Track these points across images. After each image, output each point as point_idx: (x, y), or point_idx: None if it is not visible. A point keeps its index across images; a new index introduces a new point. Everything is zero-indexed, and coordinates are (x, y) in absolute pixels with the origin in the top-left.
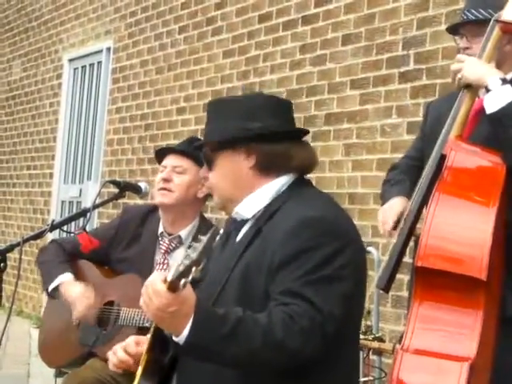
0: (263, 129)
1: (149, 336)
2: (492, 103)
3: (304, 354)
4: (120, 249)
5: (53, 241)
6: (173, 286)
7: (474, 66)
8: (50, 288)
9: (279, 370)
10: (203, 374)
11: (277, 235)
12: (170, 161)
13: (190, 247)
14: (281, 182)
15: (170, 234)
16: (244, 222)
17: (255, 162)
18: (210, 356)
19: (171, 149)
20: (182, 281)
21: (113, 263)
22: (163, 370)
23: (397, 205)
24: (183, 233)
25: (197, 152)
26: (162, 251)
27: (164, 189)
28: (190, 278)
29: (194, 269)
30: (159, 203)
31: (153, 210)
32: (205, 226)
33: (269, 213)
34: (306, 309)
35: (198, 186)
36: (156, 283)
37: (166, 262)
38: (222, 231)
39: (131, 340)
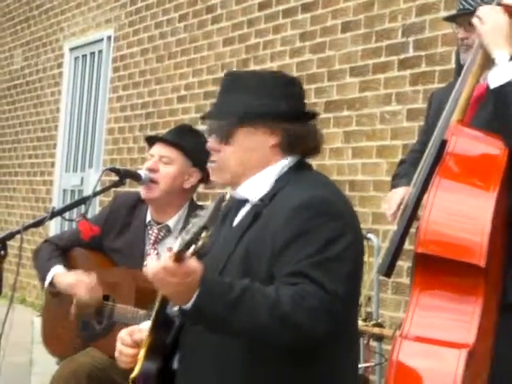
0: (288, 109)
1: (152, 317)
2: (497, 78)
3: (311, 332)
4: (111, 237)
5: (45, 241)
6: (179, 257)
7: (495, 30)
8: (46, 284)
9: (285, 346)
10: (205, 354)
11: (277, 218)
12: (158, 150)
13: (195, 216)
14: (283, 164)
15: (157, 223)
16: (243, 202)
17: (278, 140)
18: (216, 323)
19: (159, 138)
20: (191, 248)
21: (106, 252)
22: (166, 351)
23: (400, 190)
24: (171, 222)
25: (185, 142)
26: (151, 241)
27: (150, 180)
28: (200, 243)
29: (203, 234)
30: (144, 198)
31: (142, 198)
32: (193, 209)
33: (269, 195)
34: (315, 289)
35: (185, 177)
36: (164, 261)
37: (156, 252)
38: (228, 196)
39: (124, 333)
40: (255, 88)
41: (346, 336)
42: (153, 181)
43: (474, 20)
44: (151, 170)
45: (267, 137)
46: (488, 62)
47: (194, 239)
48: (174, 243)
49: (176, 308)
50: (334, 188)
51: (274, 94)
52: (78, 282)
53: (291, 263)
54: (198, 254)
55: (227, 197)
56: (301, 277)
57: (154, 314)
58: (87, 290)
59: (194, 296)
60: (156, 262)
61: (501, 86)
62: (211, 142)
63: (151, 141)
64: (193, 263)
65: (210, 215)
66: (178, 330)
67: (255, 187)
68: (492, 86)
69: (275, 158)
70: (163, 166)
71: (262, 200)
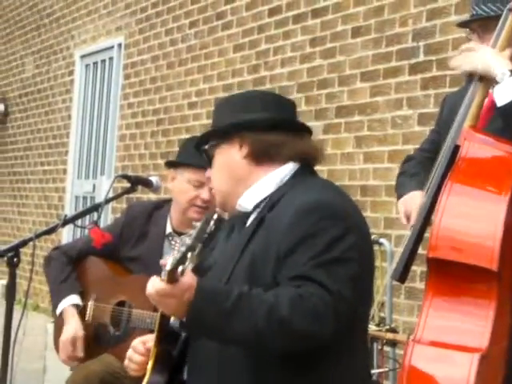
0: (254, 119)
1: (155, 330)
2: (502, 96)
3: (312, 334)
4: (128, 247)
5: (56, 248)
6: (171, 276)
7: (485, 56)
8: (57, 313)
9: (287, 352)
10: (213, 365)
11: (280, 224)
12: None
13: (186, 235)
14: (283, 172)
15: (179, 234)
16: (248, 214)
17: (248, 151)
18: (214, 331)
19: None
20: (180, 268)
21: (122, 261)
22: (173, 363)
23: (418, 197)
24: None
25: None
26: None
27: (202, 207)
28: (187, 263)
29: (189, 255)
30: (194, 219)
31: (158, 206)
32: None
33: (271, 202)
34: (316, 289)
35: None
36: (156, 284)
37: None
38: (216, 216)
39: (137, 342)
40: (227, 107)
41: (354, 339)
42: (206, 207)
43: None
44: (206, 201)
45: (238, 149)
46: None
47: (181, 259)
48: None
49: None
50: (337, 190)
51: (243, 109)
52: (66, 343)
53: (294, 267)
54: (200, 269)
55: (215, 216)
56: (303, 279)
57: (156, 326)
58: (66, 356)
59: (190, 307)
60: (150, 286)
61: (506, 103)
62: (206, 173)
63: (190, 166)
64: (187, 279)
65: (196, 235)
66: (184, 341)
67: (255, 197)
68: (499, 104)
69: (252, 168)
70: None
71: (265, 206)
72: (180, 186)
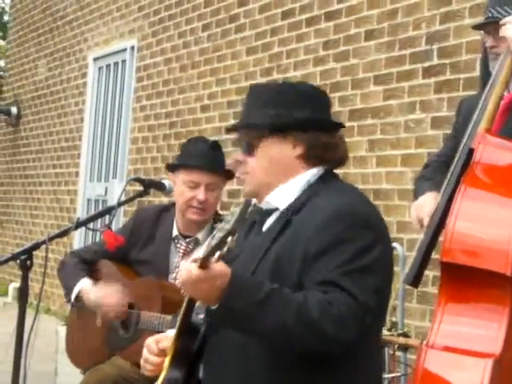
0: (313, 119)
1: (177, 325)
2: None
3: (336, 339)
4: (137, 250)
5: (71, 253)
6: (205, 262)
7: None
8: (72, 298)
9: (309, 352)
10: (230, 362)
11: (310, 226)
12: (203, 178)
13: (221, 221)
14: (311, 174)
15: (185, 237)
16: (270, 211)
17: (302, 151)
18: (243, 321)
19: (203, 166)
20: (217, 253)
21: (132, 264)
22: (191, 359)
23: (431, 201)
24: (200, 235)
25: (222, 163)
26: (181, 254)
27: (199, 208)
28: (226, 248)
29: (229, 239)
30: (192, 220)
31: (164, 210)
32: (219, 221)
33: (298, 204)
34: (344, 297)
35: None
36: (191, 265)
37: None
38: (254, 201)
39: (151, 341)
40: (279, 99)
41: (370, 345)
42: (203, 208)
43: (504, 28)
44: (202, 202)
45: (292, 147)
46: None
47: (220, 244)
48: (198, 251)
49: (201, 316)
50: (366, 199)
51: (299, 105)
52: (105, 294)
53: (322, 272)
54: (225, 260)
55: (253, 202)
56: (331, 285)
57: (179, 321)
58: (114, 301)
59: (223, 294)
60: (183, 272)
61: None
62: (238, 155)
63: (188, 168)
64: (220, 266)
65: (236, 219)
66: (202, 339)
67: (283, 196)
68: None
69: (301, 168)
70: (210, 192)
71: (290, 208)
72: (178, 189)
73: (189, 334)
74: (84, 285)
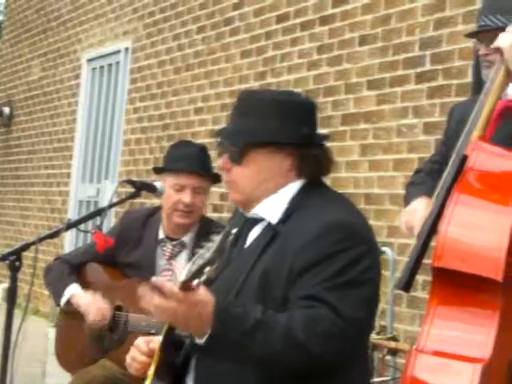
0: (307, 135)
1: (161, 335)
2: None
3: (325, 357)
4: (124, 253)
5: (57, 258)
6: (185, 287)
7: None
8: (62, 303)
9: (298, 371)
10: (221, 374)
11: (298, 239)
12: (190, 181)
13: (202, 247)
14: (298, 185)
15: (171, 239)
16: (255, 221)
17: (293, 163)
18: (230, 353)
19: (192, 170)
20: (195, 281)
21: (119, 266)
22: (175, 370)
23: (421, 208)
24: (186, 238)
25: (209, 167)
26: (167, 257)
27: (185, 211)
28: (204, 278)
29: (207, 268)
30: (179, 224)
31: (151, 213)
32: (205, 225)
33: (284, 214)
34: (327, 313)
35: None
36: (169, 286)
37: (171, 267)
38: (234, 230)
39: (141, 341)
40: (271, 111)
41: (360, 353)
42: (189, 211)
43: (497, 39)
44: (188, 205)
45: (282, 160)
46: (510, 78)
47: (198, 272)
48: (181, 271)
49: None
50: (353, 208)
51: (290, 118)
52: (92, 307)
53: (308, 287)
54: (208, 280)
55: (233, 231)
56: (316, 301)
57: (162, 335)
58: (98, 316)
59: (210, 328)
60: (156, 297)
61: None
62: (223, 161)
63: (174, 171)
64: (200, 295)
65: (215, 250)
66: (189, 350)
67: (271, 207)
68: None
69: (290, 179)
70: (196, 195)
71: (278, 220)
72: (165, 192)
73: (172, 345)
74: (74, 291)
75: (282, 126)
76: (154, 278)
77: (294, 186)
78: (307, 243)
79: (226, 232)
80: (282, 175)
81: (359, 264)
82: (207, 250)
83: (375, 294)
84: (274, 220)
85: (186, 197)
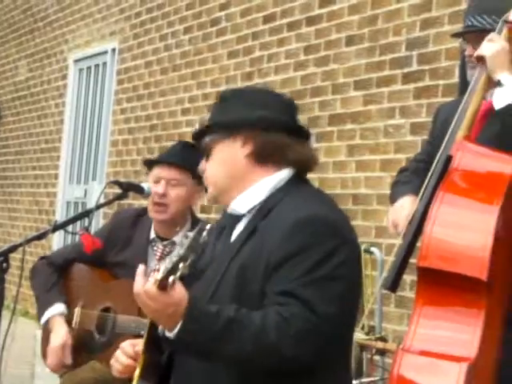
0: (262, 118)
1: (144, 336)
2: (501, 99)
3: (298, 359)
4: (114, 253)
5: (42, 258)
6: (162, 285)
7: (499, 54)
8: (42, 321)
9: (273, 371)
10: (198, 373)
11: (273, 234)
12: (164, 173)
13: (180, 244)
14: (278, 178)
15: (163, 239)
16: (239, 217)
17: (251, 150)
18: (200, 353)
19: (165, 161)
20: (171, 278)
21: (108, 267)
22: (161, 370)
23: (407, 206)
24: (177, 238)
25: (191, 162)
26: (157, 257)
27: (158, 204)
28: (178, 274)
29: (181, 265)
30: (156, 220)
31: (142, 213)
32: (196, 225)
33: (265, 210)
34: (300, 310)
35: (195, 196)
36: (147, 285)
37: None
38: (208, 226)
39: (127, 344)
40: (234, 102)
41: (341, 351)
42: (163, 204)
43: (480, 47)
44: (161, 196)
45: (240, 147)
46: (491, 85)
47: (173, 269)
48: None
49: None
50: (331, 204)
51: (251, 106)
52: (55, 350)
53: (283, 282)
54: (192, 275)
55: (207, 227)
56: (291, 297)
57: (145, 333)
58: (54, 363)
59: (178, 326)
60: (139, 285)
61: (504, 106)
62: (201, 164)
63: (152, 163)
64: (177, 293)
65: (188, 246)
66: (172, 351)
67: (248, 201)
68: (497, 107)
69: (257, 169)
70: (171, 188)
71: (257, 214)
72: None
73: (156, 345)
74: (55, 312)
75: (236, 113)
76: (141, 266)
77: (274, 179)
78: (282, 238)
79: (199, 229)
80: (243, 164)
81: (332, 259)
82: (181, 247)
83: (349, 290)
84: (245, 211)
85: (160, 187)
